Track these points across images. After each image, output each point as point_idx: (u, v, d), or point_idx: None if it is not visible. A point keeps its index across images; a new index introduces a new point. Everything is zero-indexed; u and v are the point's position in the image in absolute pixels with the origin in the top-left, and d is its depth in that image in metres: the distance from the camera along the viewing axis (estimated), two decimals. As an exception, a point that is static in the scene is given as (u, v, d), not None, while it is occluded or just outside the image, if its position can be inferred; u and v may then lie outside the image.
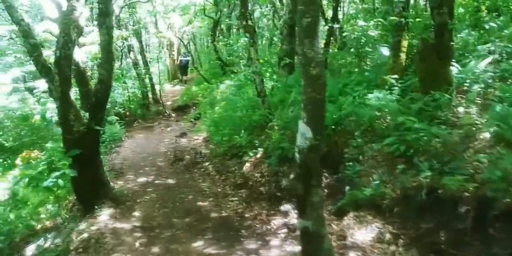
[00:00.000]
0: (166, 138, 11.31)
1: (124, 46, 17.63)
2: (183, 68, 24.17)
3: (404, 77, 6.96)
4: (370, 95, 6.77)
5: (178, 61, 24.91)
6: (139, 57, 19.27)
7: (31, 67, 10.24)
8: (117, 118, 11.79)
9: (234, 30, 23.62)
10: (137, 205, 6.52)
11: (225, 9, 19.79)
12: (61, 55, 5.54)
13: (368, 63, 10.41)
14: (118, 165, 8.93)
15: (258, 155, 7.61)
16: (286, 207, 6.01)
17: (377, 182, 5.10)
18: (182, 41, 23.42)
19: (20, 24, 6.43)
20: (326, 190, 5.93)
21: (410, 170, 4.89)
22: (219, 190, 7.16)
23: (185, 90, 20.79)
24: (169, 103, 19.41)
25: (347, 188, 5.52)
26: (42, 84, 10.78)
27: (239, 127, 8.68)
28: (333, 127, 6.46)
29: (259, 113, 8.26)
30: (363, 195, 5.12)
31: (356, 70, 9.74)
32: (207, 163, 8.52)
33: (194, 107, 16.71)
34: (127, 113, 14.81)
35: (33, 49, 6.36)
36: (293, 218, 5.59)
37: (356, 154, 5.90)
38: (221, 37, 22.55)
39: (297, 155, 3.83)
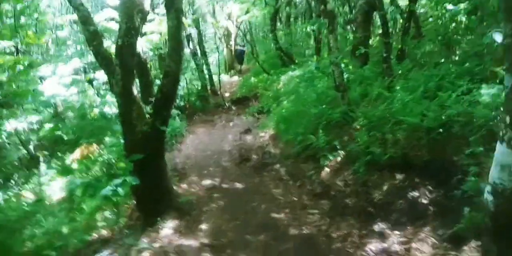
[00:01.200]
0: (229, 134, 10.50)
1: (183, 36, 17.00)
2: (239, 57, 23.57)
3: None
4: (483, 91, 5.60)
5: (236, 50, 24.38)
6: (197, 47, 18.64)
7: (92, 58, 9.72)
8: (178, 112, 11.11)
9: (292, 19, 22.57)
10: (204, 215, 5.73)
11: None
12: (123, 43, 4.79)
13: (457, 52, 9.16)
14: (181, 165, 8.21)
15: (339, 159, 6.61)
16: (380, 226, 4.99)
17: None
18: (240, 30, 22.54)
19: (79, 9, 5.73)
20: (431, 208, 4.89)
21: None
22: (295, 199, 6.24)
23: (243, 81, 19.99)
24: (227, 94, 18.70)
25: (466, 209, 4.43)
26: (102, 76, 10.26)
27: (314, 125, 7.70)
28: (439, 130, 5.33)
29: (339, 110, 7.23)
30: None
31: (443, 60, 8.51)
32: (277, 165, 7.61)
33: (254, 100, 15.84)
34: (187, 106, 14.17)
35: (92, 36, 5.63)
36: (394, 243, 4.58)
37: (472, 164, 4.78)
38: (280, 25, 21.53)
39: (489, 197, 2.68)
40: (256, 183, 7.04)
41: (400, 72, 8.75)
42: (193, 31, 18.85)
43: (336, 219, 5.40)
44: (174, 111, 10.92)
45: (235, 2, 22.59)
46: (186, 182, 7.22)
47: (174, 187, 6.56)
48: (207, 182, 7.22)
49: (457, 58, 8.64)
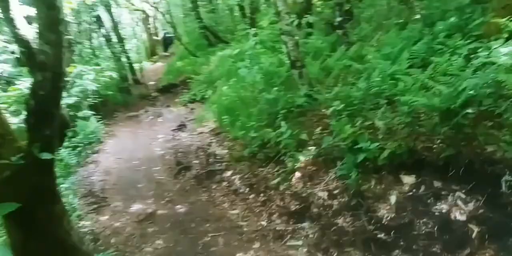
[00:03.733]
0: (160, 133, 8.46)
1: (93, 20, 14.52)
2: (167, 44, 21.63)
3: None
4: (502, 49, 4.06)
5: (161, 37, 22.35)
6: (112, 34, 16.21)
7: None
8: (92, 112, 8.87)
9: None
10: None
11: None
12: None
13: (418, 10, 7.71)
14: (99, 185, 6.13)
15: (311, 159, 4.88)
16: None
17: None
18: (159, 11, 20.16)
19: None
20: (474, 227, 3.30)
21: None
22: (263, 223, 4.46)
23: (168, 66, 17.85)
24: (152, 83, 16.54)
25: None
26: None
27: (269, 114, 5.91)
28: (465, 110, 3.69)
29: (301, 93, 5.48)
30: None
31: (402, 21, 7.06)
32: (229, 173, 5.78)
33: (183, 87, 13.85)
34: (105, 102, 11.86)
35: None
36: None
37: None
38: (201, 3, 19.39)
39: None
40: (204, 202, 5.20)
41: (357, 37, 7.18)
42: (104, 15, 16.40)
43: (333, 254, 3.69)
44: (87, 112, 8.71)
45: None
46: (108, 211, 5.21)
47: (89, 223, 4.56)
48: (137, 207, 5.26)
49: (418, 16, 7.16)
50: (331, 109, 4.73)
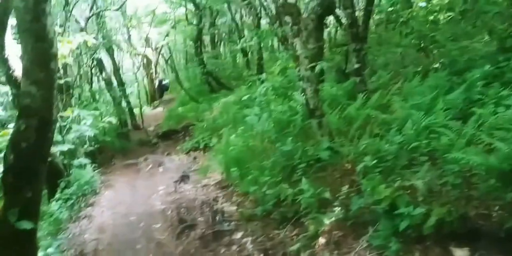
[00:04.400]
0: (161, 184, 7.80)
1: (93, 62, 14.24)
2: (162, 90, 21.47)
3: None
4: None
5: (157, 83, 22.22)
6: (113, 78, 15.96)
7: None
8: (88, 161, 8.26)
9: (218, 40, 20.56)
10: None
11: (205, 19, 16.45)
12: None
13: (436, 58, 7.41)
14: (91, 245, 5.43)
15: (335, 222, 4.24)
16: None
17: None
18: (162, 56, 20.05)
19: None
20: None
21: None
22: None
23: (169, 112, 17.45)
24: (152, 128, 16.08)
25: None
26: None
27: (284, 168, 5.33)
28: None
29: (323, 146, 4.91)
30: None
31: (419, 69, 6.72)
32: (239, 234, 5.08)
33: (185, 133, 13.37)
34: (102, 149, 11.30)
35: None
36: None
37: None
38: (205, 49, 19.29)
39: None
40: (213, 271, 4.49)
41: (375, 85, 6.76)
42: (106, 59, 16.24)
43: None
44: (83, 161, 8.09)
45: (152, 25, 20.27)
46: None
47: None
48: (133, 276, 4.55)
49: (437, 65, 6.80)
50: (361, 165, 4.14)
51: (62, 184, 7.01)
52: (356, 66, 6.56)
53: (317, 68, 5.41)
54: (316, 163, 5.06)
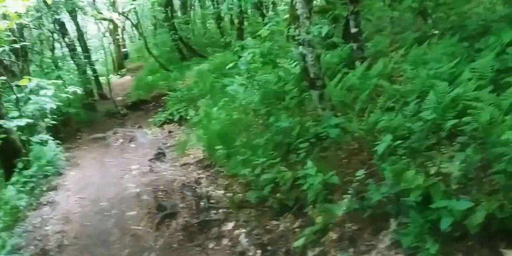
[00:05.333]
0: (134, 163, 6.98)
1: (55, 26, 12.96)
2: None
3: None
4: None
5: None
6: (77, 44, 14.73)
7: None
8: (48, 137, 7.28)
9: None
10: None
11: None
12: None
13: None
14: (54, 240, 4.62)
15: (345, 211, 3.58)
16: None
17: None
18: (129, 20, 18.72)
19: None
20: None
21: None
22: None
23: (137, 80, 16.39)
24: (120, 98, 15.01)
25: None
26: None
27: (281, 147, 4.61)
28: None
29: (330, 122, 4.18)
30: None
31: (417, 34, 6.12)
32: (230, 225, 4.38)
33: (155, 103, 12.50)
34: (66, 121, 10.29)
35: None
36: None
37: None
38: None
39: None
40: (202, 271, 3.79)
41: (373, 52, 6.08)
42: (70, 24, 14.93)
43: None
44: (44, 137, 7.14)
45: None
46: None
47: None
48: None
49: (436, 31, 6.17)
50: (382, 145, 3.43)
51: (20, 164, 6.10)
52: (354, 30, 5.79)
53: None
54: (318, 142, 4.35)
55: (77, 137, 10.00)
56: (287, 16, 8.58)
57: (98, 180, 6.43)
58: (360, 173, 3.55)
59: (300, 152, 4.23)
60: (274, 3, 13.74)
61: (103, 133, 9.94)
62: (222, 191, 5.04)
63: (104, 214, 5.17)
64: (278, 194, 4.24)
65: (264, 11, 13.11)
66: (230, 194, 4.88)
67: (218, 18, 15.50)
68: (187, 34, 16.37)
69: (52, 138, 7.54)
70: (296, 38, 4.53)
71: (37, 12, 10.63)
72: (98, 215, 5.18)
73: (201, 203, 4.90)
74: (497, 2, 6.35)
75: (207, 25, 18.95)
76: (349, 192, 3.65)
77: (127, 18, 18.27)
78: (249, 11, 14.42)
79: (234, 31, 13.13)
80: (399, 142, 3.44)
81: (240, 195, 4.71)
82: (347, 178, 3.89)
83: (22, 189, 5.64)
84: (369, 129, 4.06)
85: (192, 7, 20.14)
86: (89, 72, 14.93)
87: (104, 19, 20.91)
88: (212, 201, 4.89)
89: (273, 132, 4.70)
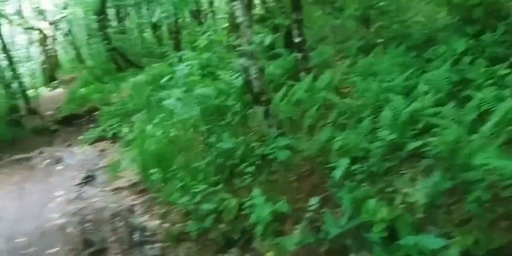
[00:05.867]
0: (59, 188, 6.20)
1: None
2: None
3: None
4: None
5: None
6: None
7: None
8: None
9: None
10: None
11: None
12: None
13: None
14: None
15: (299, 245, 3.13)
16: None
17: None
18: (59, 30, 17.63)
19: None
20: None
21: None
22: None
23: (70, 93, 15.32)
24: (50, 113, 13.93)
25: None
26: None
27: (223, 169, 4.11)
28: None
29: (280, 143, 3.73)
30: None
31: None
32: (167, 262, 3.82)
33: (88, 118, 11.66)
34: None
35: None
36: None
37: None
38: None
39: None
40: None
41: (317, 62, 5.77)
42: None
43: None
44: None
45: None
46: None
47: None
48: None
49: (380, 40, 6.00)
50: (338, 170, 3.02)
51: None
52: (298, 39, 5.44)
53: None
54: (265, 164, 3.90)
55: (-1, 159, 9.00)
56: (226, 25, 8.21)
57: (16, 210, 5.62)
58: (314, 201, 3.12)
59: (245, 177, 3.75)
60: (213, 12, 13.36)
61: (27, 153, 8.99)
62: (158, 221, 4.45)
63: (20, 253, 4.42)
64: (221, 225, 3.73)
65: (203, 20, 12.69)
66: (167, 225, 4.30)
67: (154, 27, 14.89)
68: (123, 44, 15.59)
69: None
70: (238, 49, 4.07)
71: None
72: (12, 255, 4.42)
73: (134, 236, 4.29)
74: (439, 10, 6.24)
75: (144, 34, 18.23)
76: (301, 222, 3.21)
77: (56, 27, 17.16)
78: (187, 19, 13.94)
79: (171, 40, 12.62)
80: (356, 166, 3.04)
81: (178, 225, 4.14)
82: (298, 204, 3.47)
83: None
84: (321, 149, 3.67)
85: (128, 15, 19.36)
86: (15, 85, 13.77)
87: (32, 28, 19.74)
88: (147, 233, 4.29)
89: (214, 154, 4.19)
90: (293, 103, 4.45)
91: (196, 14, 12.68)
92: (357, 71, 4.87)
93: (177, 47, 9.91)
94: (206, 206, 3.72)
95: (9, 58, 14.23)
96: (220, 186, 3.86)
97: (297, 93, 4.49)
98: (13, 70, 13.98)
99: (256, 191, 3.34)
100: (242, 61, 4.09)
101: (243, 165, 3.83)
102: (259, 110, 4.14)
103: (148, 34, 17.46)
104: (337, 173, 3.00)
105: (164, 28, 15.54)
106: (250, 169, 3.75)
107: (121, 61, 14.46)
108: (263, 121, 4.14)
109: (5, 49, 14.19)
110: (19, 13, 18.58)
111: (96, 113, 11.21)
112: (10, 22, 18.26)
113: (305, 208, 3.34)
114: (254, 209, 3.28)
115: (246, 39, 4.01)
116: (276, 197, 3.47)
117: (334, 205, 3.21)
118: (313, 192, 3.50)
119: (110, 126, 9.08)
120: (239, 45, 4.05)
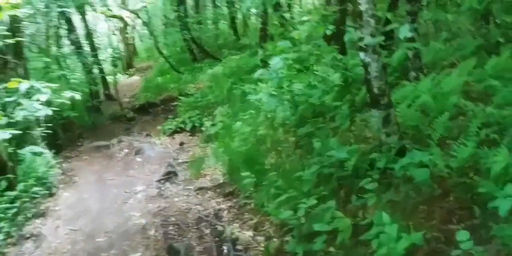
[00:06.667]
0: (139, 183, 5.93)
1: (60, 21, 11.97)
2: None
3: None
4: None
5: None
6: (82, 41, 13.73)
7: None
8: (41, 149, 6.18)
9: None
10: None
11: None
12: None
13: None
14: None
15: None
16: None
17: None
18: (140, 18, 17.72)
19: None
20: None
21: None
22: None
23: (146, 82, 15.33)
24: (126, 100, 13.99)
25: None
26: None
27: (330, 180, 3.55)
28: None
29: (415, 159, 3.09)
30: None
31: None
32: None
33: (164, 107, 11.49)
34: (67, 126, 9.27)
35: None
36: None
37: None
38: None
39: None
40: None
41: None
42: (77, 20, 13.98)
43: None
44: (34, 148, 6.04)
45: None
46: None
47: None
48: None
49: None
50: (505, 202, 2.35)
51: (3, 183, 5.05)
52: (410, 35, 4.71)
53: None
54: (384, 180, 3.29)
55: (78, 144, 8.98)
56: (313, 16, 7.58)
57: (96, 204, 5.37)
58: (465, 236, 2.47)
59: (365, 195, 3.15)
60: (289, 5, 12.76)
61: (107, 140, 8.89)
62: (251, 233, 3.96)
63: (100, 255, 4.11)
64: (331, 249, 3.17)
65: (284, 12, 12.10)
66: (262, 238, 3.80)
67: (233, 19, 14.54)
68: (200, 35, 15.37)
69: (47, 148, 6.51)
70: (359, 42, 3.46)
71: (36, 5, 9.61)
72: (92, 256, 4.12)
73: (224, 248, 3.83)
74: None
75: (219, 25, 17.97)
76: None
77: (138, 16, 17.27)
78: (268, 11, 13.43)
79: (252, 32, 12.16)
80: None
81: (275, 241, 3.63)
82: (429, 234, 2.84)
83: (2, 215, 4.59)
84: (460, 168, 3.01)
85: (206, 6, 19.21)
86: (96, 70, 13.93)
87: (114, 16, 20.05)
88: (238, 245, 3.82)
89: (320, 163, 3.61)
90: (416, 109, 3.79)
91: (277, 7, 12.15)
92: (487, 74, 4.11)
93: (264, 39, 9.41)
94: (316, 225, 3.15)
95: (92, 45, 14.46)
96: (331, 202, 3.28)
97: (421, 96, 3.81)
98: (95, 56, 14.16)
99: (385, 217, 2.73)
100: (362, 56, 3.48)
101: (364, 180, 3.21)
102: (377, 115, 3.51)
103: (223, 25, 17.16)
104: (504, 206, 2.33)
105: (239, 20, 15.21)
106: (372, 185, 3.14)
107: (197, 51, 14.22)
108: (380, 128, 3.51)
109: (89, 36, 14.42)
110: (103, 1, 18.90)
111: (172, 103, 11.01)
112: (94, 10, 18.63)
113: (439, 239, 2.75)
114: (382, 239, 2.68)
115: (369, 31, 3.39)
116: (399, 222, 2.87)
117: (482, 241, 2.57)
118: (448, 220, 2.88)
119: (189, 117, 8.78)
120: (361, 38, 3.44)
